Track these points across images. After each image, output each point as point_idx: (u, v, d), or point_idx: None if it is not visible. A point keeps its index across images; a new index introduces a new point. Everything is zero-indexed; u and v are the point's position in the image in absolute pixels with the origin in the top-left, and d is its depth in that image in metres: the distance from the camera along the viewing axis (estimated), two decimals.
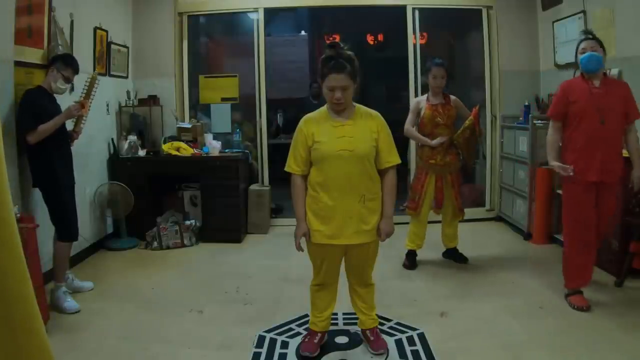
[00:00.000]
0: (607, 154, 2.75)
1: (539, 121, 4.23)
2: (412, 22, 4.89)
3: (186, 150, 4.49)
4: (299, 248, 2.26)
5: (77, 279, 3.26)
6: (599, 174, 2.75)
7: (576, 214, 2.87)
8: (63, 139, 3.06)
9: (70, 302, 2.93)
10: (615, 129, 2.75)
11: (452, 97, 3.59)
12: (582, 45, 2.82)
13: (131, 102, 4.67)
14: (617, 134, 2.78)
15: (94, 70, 4.02)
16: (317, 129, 2.21)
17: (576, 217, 2.87)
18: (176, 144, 4.52)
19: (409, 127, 3.61)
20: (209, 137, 4.71)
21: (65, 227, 3.03)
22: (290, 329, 2.67)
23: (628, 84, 2.86)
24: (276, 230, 4.78)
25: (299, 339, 2.53)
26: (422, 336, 2.55)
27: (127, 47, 4.66)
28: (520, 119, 4.55)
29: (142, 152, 4.49)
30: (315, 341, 2.42)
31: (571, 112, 2.81)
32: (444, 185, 3.57)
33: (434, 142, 3.50)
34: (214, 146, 4.60)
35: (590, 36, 2.84)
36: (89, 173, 4.01)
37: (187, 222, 4.38)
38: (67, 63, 3.00)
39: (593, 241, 2.88)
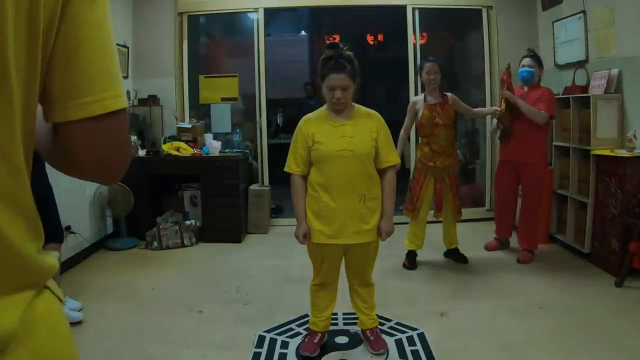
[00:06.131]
0: None
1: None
2: (412, 22, 4.89)
3: (186, 150, 4.49)
4: (304, 243, 2.29)
5: (69, 302, 2.82)
6: None
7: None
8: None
9: (70, 313, 2.76)
10: None
11: (449, 94, 3.56)
12: None
13: (131, 102, 4.66)
14: None
15: None
16: (317, 129, 2.21)
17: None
18: (176, 144, 4.51)
19: (402, 135, 3.61)
20: (209, 137, 4.71)
21: (51, 229, 2.77)
22: (290, 329, 2.67)
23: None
24: (276, 230, 4.78)
25: (299, 339, 2.53)
26: (422, 336, 2.56)
27: (127, 47, 4.66)
28: None
29: (142, 152, 4.49)
30: (315, 341, 2.42)
31: None
32: (442, 188, 3.56)
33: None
34: (214, 146, 4.60)
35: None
36: None
37: (187, 222, 4.38)
38: None
39: None
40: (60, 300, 0.69)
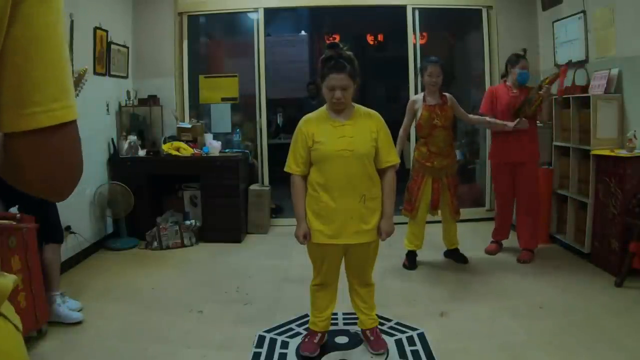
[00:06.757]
0: None
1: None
2: (412, 22, 4.89)
3: (186, 150, 4.49)
4: (304, 243, 2.29)
5: (69, 302, 2.85)
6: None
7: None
8: None
9: (70, 313, 2.78)
10: None
11: (448, 95, 3.55)
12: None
13: (131, 102, 4.67)
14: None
15: (94, 69, 4.01)
16: (317, 129, 2.22)
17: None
18: (176, 144, 4.52)
19: (401, 135, 3.59)
20: (209, 137, 4.71)
21: (51, 229, 2.78)
22: (290, 329, 2.67)
23: None
24: (276, 230, 4.78)
25: (299, 339, 2.53)
26: (422, 336, 2.55)
27: (127, 47, 4.66)
28: None
29: (142, 152, 4.49)
30: (315, 341, 2.42)
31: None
32: (440, 187, 3.56)
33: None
34: (214, 146, 4.60)
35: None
36: (89, 173, 4.00)
37: (187, 222, 4.38)
38: None
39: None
40: (18, 329, 0.64)
